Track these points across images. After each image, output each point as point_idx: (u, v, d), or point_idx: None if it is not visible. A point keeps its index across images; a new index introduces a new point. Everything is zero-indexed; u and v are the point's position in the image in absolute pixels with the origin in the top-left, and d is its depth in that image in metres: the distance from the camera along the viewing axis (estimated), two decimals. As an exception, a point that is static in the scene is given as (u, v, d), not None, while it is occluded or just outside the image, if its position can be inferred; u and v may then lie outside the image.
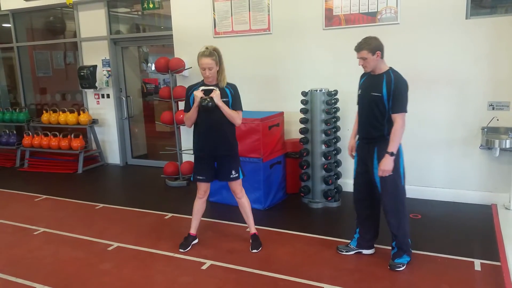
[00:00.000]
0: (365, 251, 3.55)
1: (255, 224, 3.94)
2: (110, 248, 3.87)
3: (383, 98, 3.12)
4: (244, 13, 5.48)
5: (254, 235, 3.82)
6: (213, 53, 3.40)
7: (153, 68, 7.19)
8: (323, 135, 4.68)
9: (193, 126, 3.64)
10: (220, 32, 5.70)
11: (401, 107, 3.11)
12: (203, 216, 3.98)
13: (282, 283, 3.15)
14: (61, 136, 6.92)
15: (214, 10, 5.67)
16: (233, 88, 3.60)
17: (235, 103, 3.58)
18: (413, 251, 3.56)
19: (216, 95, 3.40)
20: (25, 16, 7.89)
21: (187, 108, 3.59)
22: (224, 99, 3.49)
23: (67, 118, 6.97)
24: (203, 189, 3.75)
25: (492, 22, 4.32)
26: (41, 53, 8.18)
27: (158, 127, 7.57)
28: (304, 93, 4.81)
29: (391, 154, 3.10)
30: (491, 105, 4.42)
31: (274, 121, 4.86)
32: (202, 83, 3.58)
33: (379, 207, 3.45)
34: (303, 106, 4.81)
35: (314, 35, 5.13)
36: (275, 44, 5.38)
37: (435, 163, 4.77)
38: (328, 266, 3.39)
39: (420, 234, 3.95)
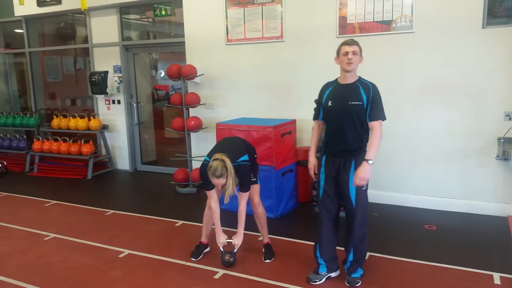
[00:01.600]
0: (333, 274, 3.31)
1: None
2: (121, 255, 3.83)
3: (363, 107, 3.00)
4: (257, 20, 5.47)
5: (267, 245, 3.78)
6: (224, 172, 3.21)
7: (162, 74, 7.21)
8: (336, 144, 4.62)
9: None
10: (232, 40, 5.69)
11: (381, 114, 3.06)
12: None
13: (297, 294, 3.11)
14: (71, 141, 6.92)
15: (226, 18, 5.67)
16: (240, 174, 3.38)
17: (241, 185, 3.44)
18: (430, 263, 3.51)
19: (238, 244, 3.56)
20: (37, 22, 7.94)
21: (210, 187, 3.46)
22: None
23: (77, 123, 6.97)
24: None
25: (510, 32, 4.28)
26: (52, 58, 8.24)
27: (167, 134, 7.57)
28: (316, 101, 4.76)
29: (370, 161, 2.99)
30: (508, 115, 4.36)
31: (287, 129, 4.82)
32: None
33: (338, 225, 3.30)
34: (316, 114, 4.77)
35: (328, 43, 5.09)
36: (288, 52, 5.36)
37: (450, 173, 4.70)
38: (343, 278, 3.31)
39: (436, 245, 3.89)
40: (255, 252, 3.80)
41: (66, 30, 7.89)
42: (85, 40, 7.37)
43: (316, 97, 4.77)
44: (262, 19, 5.44)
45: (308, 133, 5.10)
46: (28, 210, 5.27)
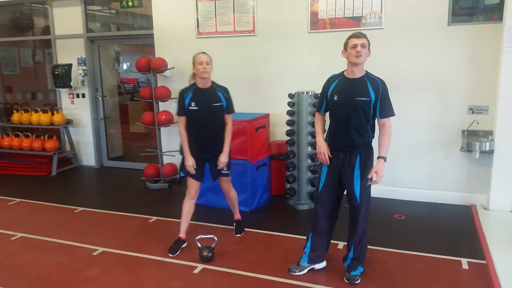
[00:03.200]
0: (317, 266, 3.35)
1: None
2: (95, 253, 3.73)
3: (370, 103, 2.97)
4: (228, 14, 5.44)
5: (238, 221, 4.11)
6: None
7: (124, 67, 7.06)
8: (310, 137, 4.70)
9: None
10: (203, 33, 5.63)
11: (391, 110, 3.05)
12: (190, 220, 3.91)
13: (278, 285, 3.14)
14: (33, 137, 6.64)
15: (197, 10, 5.60)
16: (225, 91, 3.76)
17: (229, 106, 3.77)
18: (402, 251, 3.65)
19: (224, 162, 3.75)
20: (-8, 11, 7.54)
21: (181, 112, 3.64)
22: (218, 104, 3.66)
23: (40, 118, 6.69)
24: (194, 188, 3.73)
25: (473, 29, 4.48)
26: (8, 50, 7.84)
27: (132, 128, 7.42)
28: (290, 95, 4.82)
29: (385, 159, 2.99)
30: (471, 109, 4.58)
31: (261, 123, 4.85)
32: (194, 86, 3.68)
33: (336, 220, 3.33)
34: (289, 108, 4.82)
35: (299, 38, 5.16)
36: (260, 46, 5.37)
37: (417, 165, 4.89)
38: (328, 270, 3.37)
39: (406, 234, 4.05)
40: (232, 245, 3.83)
41: (23, 20, 7.53)
42: (44, 31, 7.06)
43: (287, 92, 4.89)
44: (234, 12, 5.41)
45: (281, 127, 5.18)
46: (-10, 209, 5.03)
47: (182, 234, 3.77)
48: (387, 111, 3.03)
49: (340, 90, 3.06)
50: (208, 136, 3.68)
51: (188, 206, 3.75)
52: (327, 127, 3.29)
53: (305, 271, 3.30)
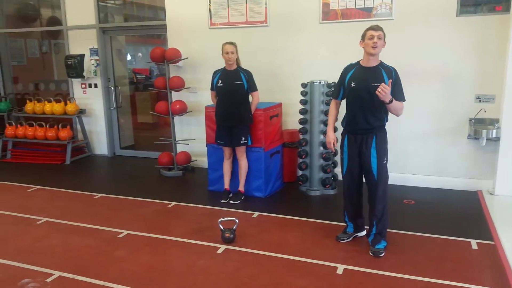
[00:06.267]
0: (360, 234, 3.73)
1: (259, 211, 4.37)
2: (120, 236, 3.89)
3: None
4: (240, 5, 5.56)
5: (239, 192, 4.75)
6: (235, 46, 4.53)
7: (128, 57, 7.22)
8: (322, 125, 4.86)
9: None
10: (216, 23, 5.75)
11: (402, 96, 3.35)
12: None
13: (299, 264, 3.32)
14: (47, 126, 6.77)
15: (210, 1, 5.71)
16: (247, 73, 4.60)
17: (250, 85, 4.59)
18: (413, 233, 3.83)
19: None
20: (2, 1, 7.62)
21: (211, 87, 4.74)
22: (239, 82, 4.53)
23: (53, 107, 6.81)
24: (227, 152, 4.74)
25: (481, 20, 4.62)
26: (15, 41, 7.94)
27: (140, 118, 7.57)
28: (303, 85, 4.96)
29: (391, 101, 3.19)
30: (478, 97, 4.74)
31: (274, 112, 5.00)
32: (223, 68, 4.64)
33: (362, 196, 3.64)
34: (302, 97, 4.97)
35: (311, 29, 5.29)
36: (272, 37, 5.49)
37: (425, 152, 5.06)
38: (339, 248, 3.58)
39: (416, 218, 4.23)
40: (251, 228, 4.01)
41: (29, 11, 7.64)
42: (50, 21, 7.14)
43: (299, 81, 5.04)
44: (246, 3, 5.53)
45: (292, 116, 5.33)
46: (11, 195, 5.18)
47: (226, 186, 4.83)
48: (398, 96, 3.30)
49: (357, 77, 3.35)
50: (230, 108, 4.56)
51: (225, 166, 4.81)
52: (343, 114, 3.55)
53: (351, 238, 3.69)
